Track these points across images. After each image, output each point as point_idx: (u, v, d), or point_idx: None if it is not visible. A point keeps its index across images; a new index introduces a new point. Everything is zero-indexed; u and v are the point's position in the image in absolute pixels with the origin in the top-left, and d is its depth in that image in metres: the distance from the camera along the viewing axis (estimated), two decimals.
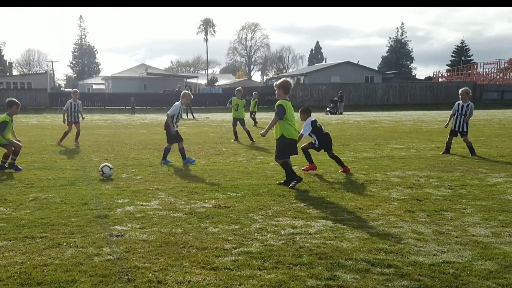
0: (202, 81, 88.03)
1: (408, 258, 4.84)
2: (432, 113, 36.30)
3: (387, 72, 76.76)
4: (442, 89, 54.14)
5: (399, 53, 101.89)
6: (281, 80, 8.66)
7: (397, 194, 7.82)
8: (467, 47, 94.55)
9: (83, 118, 16.80)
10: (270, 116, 34.45)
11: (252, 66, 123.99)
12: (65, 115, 16.00)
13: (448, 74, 72.78)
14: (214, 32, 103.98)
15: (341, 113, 39.13)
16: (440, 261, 4.76)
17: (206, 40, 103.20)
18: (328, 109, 39.99)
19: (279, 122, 8.39)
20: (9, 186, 8.33)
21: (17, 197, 7.47)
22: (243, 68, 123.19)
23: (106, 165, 9.26)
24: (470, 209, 6.85)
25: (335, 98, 42.08)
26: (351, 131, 20.47)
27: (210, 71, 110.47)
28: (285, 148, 8.45)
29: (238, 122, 17.04)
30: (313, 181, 8.88)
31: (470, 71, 66.41)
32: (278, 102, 8.41)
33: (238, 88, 18.63)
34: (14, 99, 10.79)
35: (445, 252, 5.03)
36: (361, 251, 5.04)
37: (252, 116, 24.84)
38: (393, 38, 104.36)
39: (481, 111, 38.13)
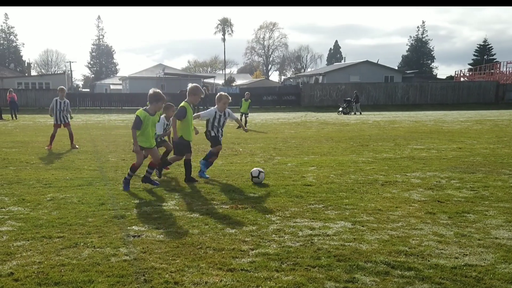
0: (220, 81, 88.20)
1: (429, 260, 4.74)
2: (454, 113, 35.83)
3: (408, 72, 76.01)
4: (464, 89, 53.32)
5: (419, 52, 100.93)
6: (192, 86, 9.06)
7: (417, 196, 7.70)
8: (490, 45, 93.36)
9: (71, 118, 15.50)
10: (287, 116, 34.38)
11: (270, 65, 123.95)
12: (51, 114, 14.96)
13: (470, 73, 71.73)
14: (232, 31, 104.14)
15: (360, 113, 38.66)
16: (462, 264, 4.65)
17: (224, 40, 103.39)
18: (340, 109, 39.43)
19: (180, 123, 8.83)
20: (27, 186, 8.40)
21: (35, 197, 7.52)
22: (260, 68, 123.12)
23: (261, 172, 8.72)
24: (493, 211, 6.70)
25: (348, 98, 41.63)
26: (370, 131, 20.29)
27: (227, 71, 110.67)
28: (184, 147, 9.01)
29: None
30: (331, 182, 8.79)
31: (493, 70, 65.30)
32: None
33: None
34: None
35: (467, 255, 4.92)
36: (381, 253, 4.95)
37: (245, 117, 23.21)
38: (413, 37, 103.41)
39: (504, 111, 37.47)
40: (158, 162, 8.73)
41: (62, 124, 14.86)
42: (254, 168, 8.94)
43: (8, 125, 24.85)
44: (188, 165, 9.04)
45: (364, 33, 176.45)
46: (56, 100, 14.89)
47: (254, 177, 8.68)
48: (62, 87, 15.74)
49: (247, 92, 25.02)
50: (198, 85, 9.19)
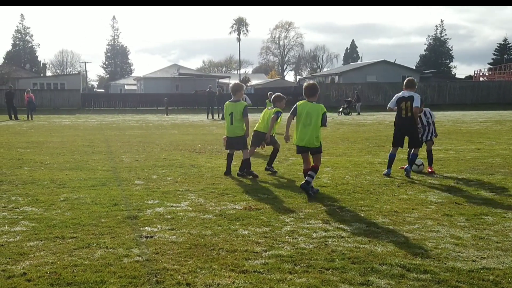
0: (234, 81, 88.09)
1: (445, 263, 4.65)
2: (473, 114, 35.39)
3: (425, 71, 75.22)
4: (483, 89, 52.56)
5: (438, 52, 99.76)
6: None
7: (434, 197, 7.57)
8: (510, 45, 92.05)
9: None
10: None
11: (285, 65, 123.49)
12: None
13: (490, 73, 70.75)
14: (247, 31, 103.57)
15: (358, 114, 38.40)
16: (480, 267, 4.56)
17: (239, 39, 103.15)
18: (341, 109, 39.02)
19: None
20: (41, 187, 8.43)
21: (49, 197, 7.54)
22: (276, 67, 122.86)
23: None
24: None
25: (349, 98, 41.26)
26: (387, 132, 20.08)
27: (242, 71, 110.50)
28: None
29: None
30: (346, 183, 8.70)
31: None
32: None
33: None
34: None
35: (484, 258, 4.82)
36: (396, 255, 4.87)
37: None
38: (432, 36, 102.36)
39: None
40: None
41: None
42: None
43: (23, 126, 25.11)
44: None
45: (381, 33, 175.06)
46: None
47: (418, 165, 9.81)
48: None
49: (270, 92, 23.77)
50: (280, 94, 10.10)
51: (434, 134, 10.29)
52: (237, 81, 9.88)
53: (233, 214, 6.54)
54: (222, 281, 4.24)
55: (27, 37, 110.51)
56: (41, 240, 5.39)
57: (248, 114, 9.59)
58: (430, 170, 9.84)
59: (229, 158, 9.72)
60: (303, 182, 7.58)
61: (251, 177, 9.30)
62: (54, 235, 5.55)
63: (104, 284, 4.18)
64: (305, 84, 8.07)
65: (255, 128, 10.39)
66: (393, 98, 9.54)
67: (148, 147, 14.59)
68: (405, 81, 9.67)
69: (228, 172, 9.57)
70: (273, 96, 10.49)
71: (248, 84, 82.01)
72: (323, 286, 4.14)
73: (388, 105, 9.69)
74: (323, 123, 7.65)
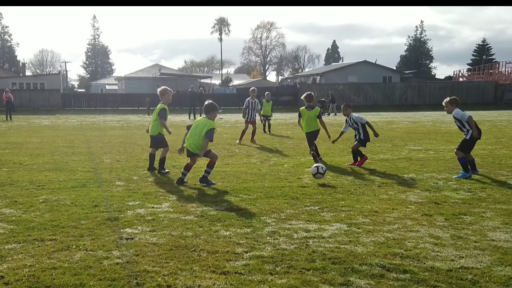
0: (216, 81, 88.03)
1: (424, 263, 4.70)
2: None
3: (406, 72, 75.90)
4: (463, 89, 53.18)
5: (418, 52, 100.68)
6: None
7: (414, 197, 7.65)
8: (488, 45, 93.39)
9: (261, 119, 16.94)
10: (284, 116, 34.37)
11: (267, 66, 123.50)
12: (244, 113, 16.84)
13: (469, 73, 71.69)
14: (229, 31, 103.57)
15: (335, 114, 38.67)
16: (458, 266, 4.61)
17: (221, 39, 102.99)
18: None
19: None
20: (20, 188, 8.32)
21: (28, 199, 7.44)
22: (258, 68, 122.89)
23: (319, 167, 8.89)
24: (490, 213, 6.66)
25: (322, 99, 41.53)
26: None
27: (224, 71, 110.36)
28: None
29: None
30: (327, 184, 8.74)
31: (491, 70, 65.26)
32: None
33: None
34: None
35: (463, 257, 4.88)
36: (376, 255, 4.91)
37: (268, 121, 20.31)
38: (412, 36, 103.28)
39: (503, 111, 37.58)
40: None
41: (250, 122, 16.65)
42: (313, 167, 9.02)
43: (2, 126, 24.76)
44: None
45: (363, 33, 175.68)
46: (249, 100, 16.77)
47: (317, 173, 8.82)
48: (254, 88, 17.84)
49: (267, 93, 21.22)
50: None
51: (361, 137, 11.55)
52: (165, 86, 10.57)
53: (214, 215, 6.53)
54: (203, 282, 4.23)
55: (6, 36, 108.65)
56: (19, 243, 5.32)
57: (166, 117, 10.20)
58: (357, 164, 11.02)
59: (151, 157, 10.37)
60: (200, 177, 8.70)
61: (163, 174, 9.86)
62: (33, 238, 5.48)
63: (83, 287, 4.14)
64: (205, 102, 8.85)
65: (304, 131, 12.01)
66: (467, 115, 9.37)
67: (129, 148, 14.49)
68: (454, 100, 9.61)
69: (150, 168, 10.22)
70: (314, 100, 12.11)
71: (230, 84, 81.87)
72: (303, 287, 4.16)
73: (471, 132, 9.38)
74: (207, 135, 8.42)
